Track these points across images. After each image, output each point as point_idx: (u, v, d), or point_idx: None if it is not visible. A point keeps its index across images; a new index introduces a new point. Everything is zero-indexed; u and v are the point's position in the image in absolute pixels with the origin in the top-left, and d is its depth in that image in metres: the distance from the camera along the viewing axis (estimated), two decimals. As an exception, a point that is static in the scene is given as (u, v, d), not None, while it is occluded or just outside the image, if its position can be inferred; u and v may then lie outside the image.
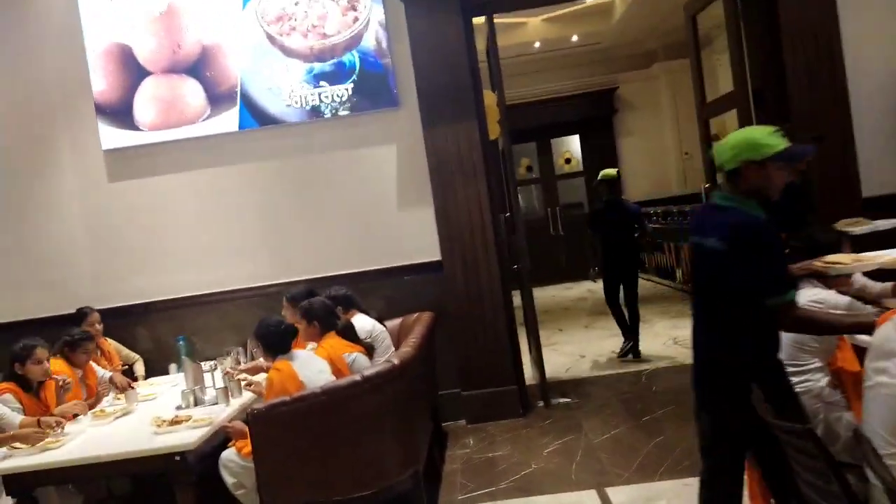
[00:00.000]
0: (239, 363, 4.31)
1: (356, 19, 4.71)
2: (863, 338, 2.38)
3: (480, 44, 4.86)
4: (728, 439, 2.27)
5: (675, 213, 9.41)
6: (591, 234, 6.13)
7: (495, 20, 4.90)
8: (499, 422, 4.63)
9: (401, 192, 4.86)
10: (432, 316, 4.42)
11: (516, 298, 5.10)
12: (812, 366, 2.60)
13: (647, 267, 10.59)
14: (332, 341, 3.57)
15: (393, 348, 4.23)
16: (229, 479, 3.18)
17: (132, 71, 4.84)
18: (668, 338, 6.44)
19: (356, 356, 3.59)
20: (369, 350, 3.78)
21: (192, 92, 4.83)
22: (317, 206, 4.91)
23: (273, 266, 4.94)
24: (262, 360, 3.67)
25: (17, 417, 3.41)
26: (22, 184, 5.00)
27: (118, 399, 3.91)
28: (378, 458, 3.01)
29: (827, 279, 2.71)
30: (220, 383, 3.85)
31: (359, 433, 2.98)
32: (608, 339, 6.70)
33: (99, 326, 4.64)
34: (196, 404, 3.61)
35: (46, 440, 3.17)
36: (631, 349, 5.91)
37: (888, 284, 3.01)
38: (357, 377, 2.95)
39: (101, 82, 4.85)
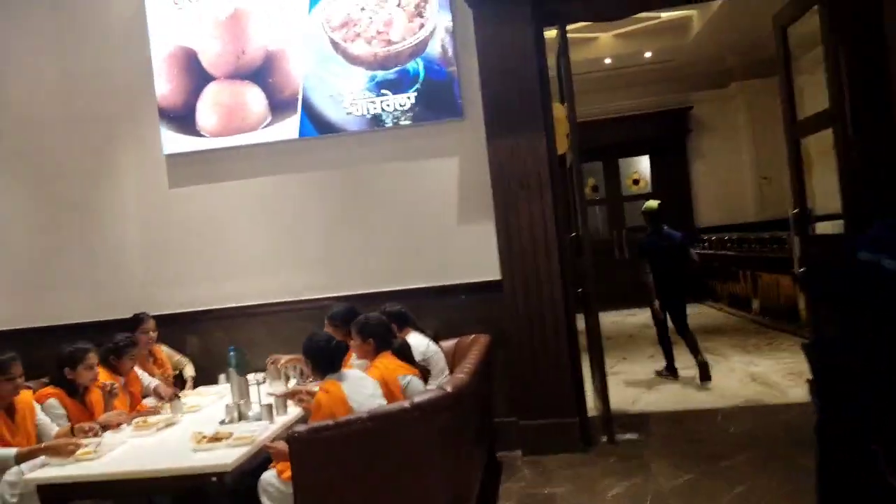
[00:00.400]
0: (287, 378, 4.16)
1: (422, 26, 4.54)
2: None
3: (550, 60, 4.61)
4: None
5: (751, 240, 8.87)
6: (640, 264, 6.25)
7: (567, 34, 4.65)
8: (558, 455, 4.30)
9: (461, 206, 4.64)
10: (489, 339, 4.15)
11: (579, 323, 4.78)
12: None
13: (718, 295, 10.04)
14: (387, 361, 3.36)
15: (447, 371, 3.99)
16: (267, 504, 2.98)
17: (196, 75, 4.80)
18: (745, 374, 5.97)
19: (411, 379, 3.36)
20: (424, 373, 3.54)
21: (254, 98, 4.74)
22: (374, 219, 4.74)
23: (327, 279, 4.78)
24: (301, 384, 3.48)
25: (54, 429, 3.32)
26: (86, 187, 5.02)
27: (162, 409, 3.79)
28: (426, 492, 2.76)
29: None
30: (265, 399, 3.69)
31: (406, 465, 2.74)
32: (678, 378, 6.26)
33: (153, 334, 4.57)
34: (240, 419, 3.45)
35: (81, 451, 3.04)
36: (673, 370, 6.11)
37: None
38: (406, 404, 2.71)
39: (165, 86, 4.82)
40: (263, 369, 4.51)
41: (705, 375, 5.81)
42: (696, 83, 11.15)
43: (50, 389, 3.50)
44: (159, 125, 4.85)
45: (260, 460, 3.09)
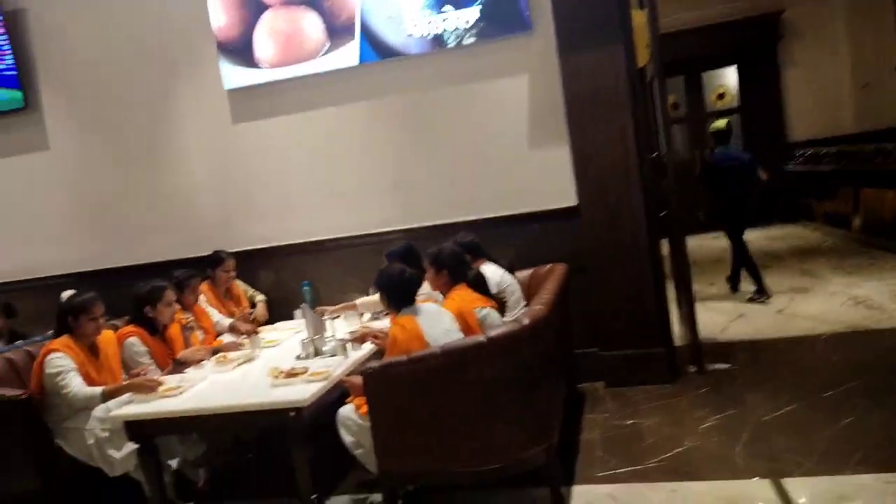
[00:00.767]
0: (361, 315, 4.11)
1: (485, -70, 4.17)
2: None
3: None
4: None
5: (852, 153, 8.14)
6: (705, 187, 6.18)
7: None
8: (643, 387, 4.11)
9: (532, 129, 4.35)
10: (567, 268, 3.94)
11: (663, 248, 4.48)
12: None
13: (814, 214, 9.38)
14: (463, 293, 3.22)
15: (524, 302, 3.83)
16: (347, 438, 2.95)
17: (251, 4, 4.62)
18: (847, 297, 5.53)
19: (488, 311, 3.22)
20: (500, 304, 3.39)
21: (311, 24, 4.54)
22: (440, 146, 4.52)
23: (395, 210, 4.64)
24: (367, 323, 3.39)
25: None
26: (153, 128, 5.00)
27: (242, 346, 3.81)
28: (505, 430, 2.64)
29: None
30: (340, 333, 3.64)
31: (483, 402, 2.62)
32: (772, 296, 5.89)
33: (233, 273, 4.60)
34: (316, 354, 3.41)
35: (164, 387, 3.08)
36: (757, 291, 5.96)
37: None
38: (481, 338, 2.57)
39: (222, 18, 4.68)
40: (337, 303, 4.50)
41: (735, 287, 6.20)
42: (788, -17, 10.13)
43: (131, 328, 3.56)
44: (218, 59, 4.73)
45: (337, 394, 3.05)
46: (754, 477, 2.87)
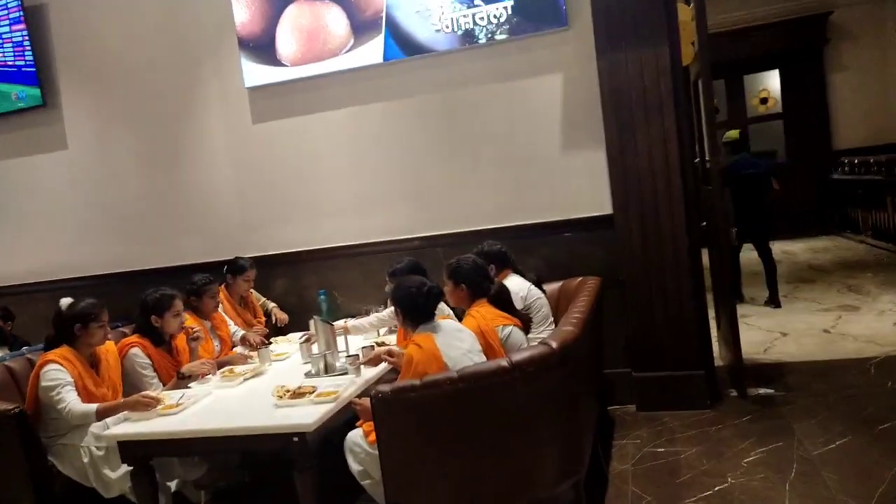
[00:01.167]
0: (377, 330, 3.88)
1: (518, -80, 3.92)
2: None
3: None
4: None
5: (906, 162, 7.68)
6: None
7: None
8: (679, 412, 3.81)
9: (566, 131, 4.08)
10: (599, 281, 3.66)
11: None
12: None
13: (861, 227, 8.91)
14: (484, 310, 2.96)
15: (551, 318, 3.56)
16: (355, 466, 2.71)
17: (274, -1, 4.44)
18: (901, 317, 5.14)
19: (511, 330, 2.96)
20: (525, 322, 3.12)
21: (334, 20, 4.33)
22: (469, 149, 4.27)
23: (419, 217, 4.41)
24: (384, 346, 3.15)
25: (150, 380, 3.22)
26: (174, 129, 4.84)
27: (251, 359, 3.61)
28: (530, 463, 2.38)
29: None
30: (353, 349, 3.42)
31: (505, 432, 2.36)
32: (816, 314, 5.53)
33: (252, 283, 4.42)
34: (326, 371, 3.19)
35: (163, 406, 2.88)
36: (770, 300, 6.02)
37: None
38: (504, 362, 2.31)
39: (244, 13, 4.50)
40: (356, 315, 4.28)
41: (774, 303, 6.00)
42: (837, -17, 9.67)
43: (134, 338, 3.37)
44: (240, 56, 4.55)
45: (348, 416, 2.82)
46: (807, 524, 2.57)
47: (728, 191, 5.75)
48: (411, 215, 4.42)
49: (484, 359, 2.66)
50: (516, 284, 3.54)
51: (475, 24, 4.07)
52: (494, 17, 4.03)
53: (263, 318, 4.54)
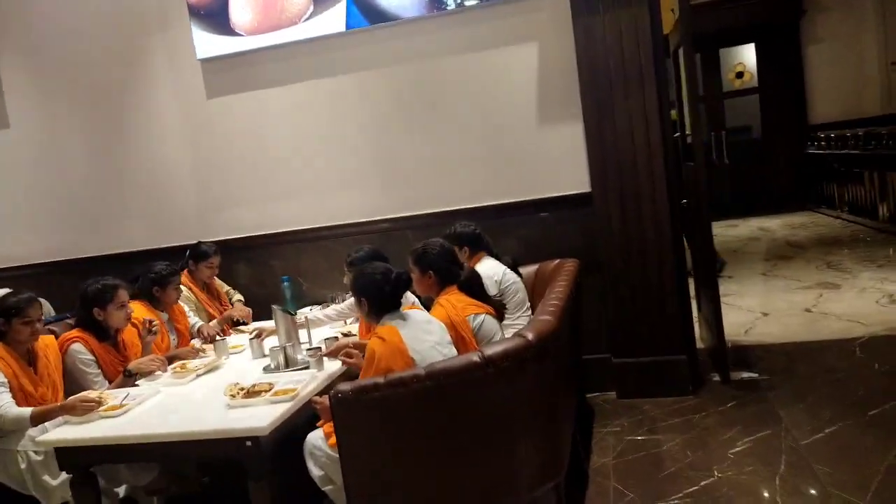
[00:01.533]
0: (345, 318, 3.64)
1: None
2: None
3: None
4: None
5: (882, 135, 7.58)
6: None
7: None
8: (660, 399, 3.65)
9: (542, 104, 3.84)
10: (577, 264, 3.46)
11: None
12: None
13: (837, 202, 8.85)
14: (454, 298, 2.74)
15: (528, 304, 3.37)
16: (315, 471, 2.49)
17: (225, -38, 4.12)
18: (882, 294, 5.03)
19: (484, 318, 2.74)
20: (499, 309, 2.91)
21: (292, -15, 4.03)
22: (437, 124, 4.02)
23: (387, 197, 4.16)
24: (350, 337, 2.92)
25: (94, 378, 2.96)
26: (121, 104, 4.51)
27: (203, 353, 3.35)
28: (505, 466, 2.17)
29: None
30: (316, 340, 3.18)
31: (478, 433, 2.15)
32: (797, 293, 5.40)
33: (216, 270, 4.13)
34: (287, 365, 2.96)
35: (104, 406, 2.62)
36: None
37: None
38: (475, 357, 2.09)
39: (193, -22, 4.17)
40: (321, 302, 4.04)
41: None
42: (814, -47, 9.50)
43: (75, 333, 3.09)
44: (190, 25, 4.23)
45: (308, 416, 2.59)
46: (801, 521, 2.42)
47: None
48: (379, 196, 4.17)
49: (454, 352, 2.44)
50: (490, 268, 3.34)
51: (443, -11, 3.80)
52: (464, -19, 3.76)
53: (229, 306, 4.27)
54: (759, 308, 5.16)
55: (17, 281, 4.32)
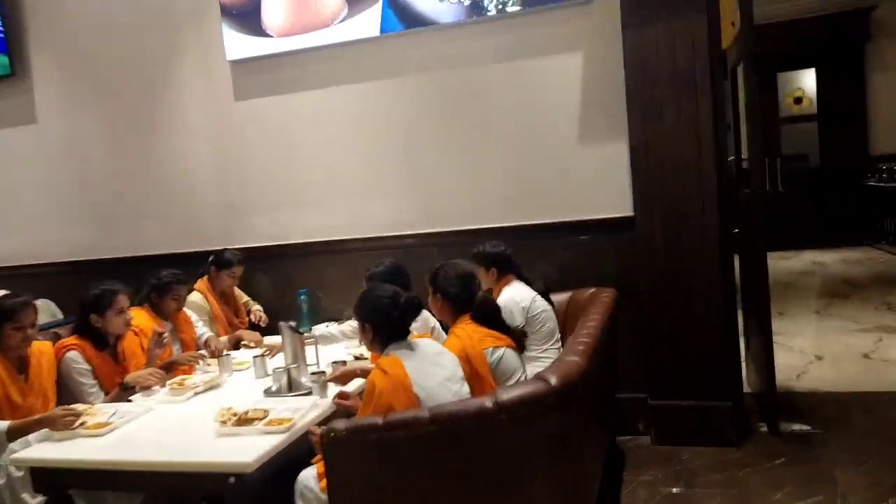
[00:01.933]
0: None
1: None
2: None
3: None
4: None
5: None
6: None
7: None
8: (700, 448, 3.30)
9: (584, 118, 3.57)
10: (614, 294, 3.16)
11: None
12: None
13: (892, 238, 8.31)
14: (470, 328, 2.47)
15: (558, 335, 3.08)
16: (305, 513, 2.24)
17: (259, -40, 3.96)
18: (952, 343, 4.58)
19: (504, 352, 2.48)
20: (520, 339, 2.62)
21: (326, -15, 3.85)
22: (471, 135, 3.78)
23: (415, 211, 3.92)
24: (358, 362, 2.67)
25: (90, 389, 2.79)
26: (150, 104, 4.39)
27: (203, 360, 3.16)
28: (517, 525, 1.89)
29: None
30: (324, 363, 2.94)
31: (487, 487, 1.87)
32: (854, 335, 4.97)
33: (237, 281, 3.96)
34: (290, 389, 2.72)
35: (91, 422, 2.43)
36: None
37: None
38: (487, 402, 1.82)
39: (226, -24, 4.03)
40: (338, 319, 3.80)
41: None
42: (884, -25, 9.00)
43: (72, 340, 2.91)
44: (222, 25, 4.08)
45: (303, 449, 2.34)
46: None
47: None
48: (406, 209, 3.94)
49: (467, 390, 2.18)
50: (519, 293, 3.07)
51: (484, -8, 3.57)
52: (506, -16, 3.52)
53: (247, 320, 4.08)
54: (812, 350, 4.75)
55: (32, 280, 4.22)
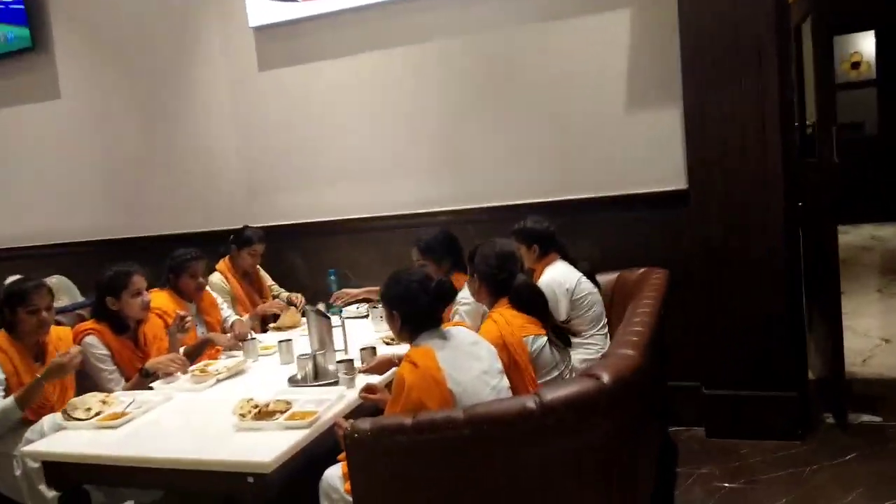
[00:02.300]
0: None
1: None
2: None
3: None
4: None
5: None
6: None
7: None
8: (760, 442, 3.03)
9: (632, 83, 3.27)
10: (666, 275, 2.90)
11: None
12: None
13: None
14: (509, 314, 2.24)
15: (604, 320, 2.84)
16: (330, 514, 2.06)
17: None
18: None
19: (545, 342, 2.23)
20: (562, 334, 2.38)
21: (353, -56, 3.60)
22: (509, 104, 3.51)
23: (449, 186, 3.70)
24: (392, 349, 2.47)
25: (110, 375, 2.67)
26: (174, 75, 4.22)
27: (222, 353, 3.02)
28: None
29: None
30: (354, 350, 2.76)
31: (529, 492, 1.66)
32: (924, 316, 4.60)
33: (258, 259, 3.79)
34: (316, 377, 2.54)
35: (104, 414, 2.29)
36: None
37: None
38: (530, 402, 1.59)
39: (247, -63, 3.81)
40: (370, 300, 3.63)
41: None
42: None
43: (90, 324, 2.78)
44: (244, -10, 3.88)
45: (328, 445, 2.16)
46: None
47: None
48: (439, 184, 3.71)
49: (506, 384, 1.96)
50: (562, 274, 2.84)
51: (522, -54, 3.28)
52: (547, -63, 3.22)
53: (272, 301, 3.92)
54: (878, 333, 4.41)
55: (55, 259, 4.13)
